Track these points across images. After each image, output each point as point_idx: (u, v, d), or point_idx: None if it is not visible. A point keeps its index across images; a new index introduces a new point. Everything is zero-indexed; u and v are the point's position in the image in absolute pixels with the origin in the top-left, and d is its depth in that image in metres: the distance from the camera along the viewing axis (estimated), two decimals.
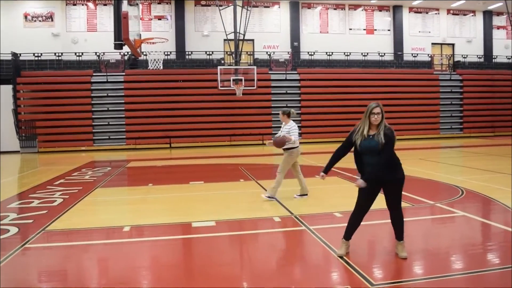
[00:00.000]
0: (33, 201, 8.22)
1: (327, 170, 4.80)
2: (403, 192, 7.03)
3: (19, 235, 5.88)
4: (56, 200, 8.27)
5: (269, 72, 24.34)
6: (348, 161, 4.94)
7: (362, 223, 4.80)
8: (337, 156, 4.77)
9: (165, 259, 4.94)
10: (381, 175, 4.49)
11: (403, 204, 7.05)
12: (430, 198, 7.67)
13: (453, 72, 26.90)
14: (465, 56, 27.94)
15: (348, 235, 4.79)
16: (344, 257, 4.66)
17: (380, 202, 4.76)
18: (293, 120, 7.93)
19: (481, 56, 28.76)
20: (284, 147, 7.68)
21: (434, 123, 25.80)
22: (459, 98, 26.44)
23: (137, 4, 13.01)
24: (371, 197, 4.68)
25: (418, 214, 6.75)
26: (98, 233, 6.06)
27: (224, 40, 23.40)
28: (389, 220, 4.80)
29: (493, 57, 28.89)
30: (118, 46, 10.77)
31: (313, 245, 5.29)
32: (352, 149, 4.70)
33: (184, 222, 6.50)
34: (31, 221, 6.66)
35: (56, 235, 5.97)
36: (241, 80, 20.80)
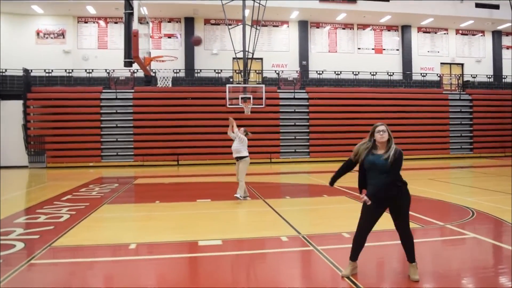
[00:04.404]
0: (40, 217, 8.21)
1: (332, 182, 4.94)
2: (413, 213, 6.95)
3: (25, 251, 5.84)
4: (63, 216, 8.25)
5: (278, 90, 24.42)
6: (356, 180, 4.87)
7: (371, 244, 4.74)
8: (341, 171, 4.87)
9: (171, 278, 4.88)
10: (384, 193, 4.46)
11: (413, 225, 6.97)
12: (440, 219, 7.57)
13: (463, 92, 26.82)
14: (475, 76, 27.88)
15: (354, 256, 4.73)
16: (351, 278, 4.58)
17: (388, 222, 4.69)
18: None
19: (490, 76, 28.68)
20: (238, 155, 10.27)
21: (444, 143, 25.62)
22: (468, 118, 26.30)
23: (147, 23, 13.13)
24: (373, 218, 4.62)
25: (428, 236, 6.64)
26: (104, 250, 6.01)
27: (233, 58, 23.56)
28: (399, 241, 4.72)
29: (503, 77, 28.79)
30: (127, 64, 10.83)
31: (321, 266, 5.20)
32: (356, 167, 4.71)
33: (190, 240, 6.44)
34: (37, 236, 6.63)
35: (62, 251, 5.93)
36: (249, 98, 20.84)
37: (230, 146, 24.82)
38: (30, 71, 22.77)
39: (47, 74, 23.33)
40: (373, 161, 4.45)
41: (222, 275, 4.92)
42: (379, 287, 4.54)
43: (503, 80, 28.68)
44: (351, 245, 4.78)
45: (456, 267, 5.06)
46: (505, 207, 8.62)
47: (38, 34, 24.54)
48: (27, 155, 21.93)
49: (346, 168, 4.80)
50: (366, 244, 4.77)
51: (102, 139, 22.60)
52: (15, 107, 22.07)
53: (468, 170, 18.52)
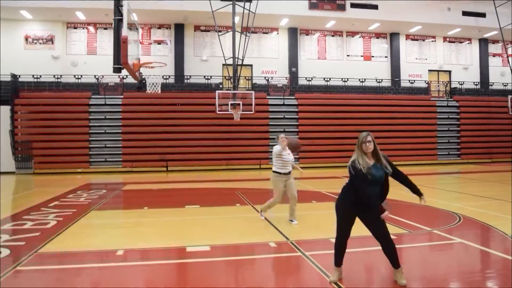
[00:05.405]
0: (26, 223, 8.12)
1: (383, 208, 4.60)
2: (401, 218, 7.00)
3: (10, 257, 5.78)
4: (49, 222, 8.18)
5: (267, 97, 24.48)
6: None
7: (358, 249, 4.78)
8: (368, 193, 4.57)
9: (159, 284, 4.86)
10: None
11: (401, 231, 7.02)
12: (427, 225, 7.61)
13: (450, 99, 27.09)
14: (462, 82, 28.19)
15: (337, 261, 4.78)
16: (338, 283, 4.60)
17: None
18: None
19: (477, 83, 29.01)
20: (291, 169, 8.00)
21: (432, 149, 25.83)
22: (456, 125, 26.55)
23: (137, 29, 13.12)
24: (350, 223, 4.74)
25: (416, 241, 6.69)
26: (91, 256, 5.97)
27: (223, 65, 23.59)
28: None
29: (490, 84, 29.15)
30: (116, 70, 10.79)
31: (309, 271, 5.22)
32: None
33: (178, 246, 6.42)
34: (23, 243, 6.57)
35: (48, 258, 5.87)
36: (239, 104, 20.88)
37: (220, 152, 24.58)
38: (18, 76, 22.58)
39: (35, 80, 23.16)
40: (375, 175, 4.52)
41: (210, 281, 4.90)
42: None
43: (490, 87, 29.02)
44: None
45: (443, 272, 5.09)
46: (491, 213, 8.72)
47: (26, 39, 24.38)
48: (14, 161, 21.70)
49: (365, 185, 4.53)
50: (352, 250, 4.83)
51: (90, 145, 22.44)
52: (2, 112, 21.84)
53: (455, 176, 18.67)
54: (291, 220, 7.96)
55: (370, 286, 4.80)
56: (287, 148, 7.99)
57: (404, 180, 4.73)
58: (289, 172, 8.00)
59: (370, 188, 4.51)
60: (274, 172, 8.00)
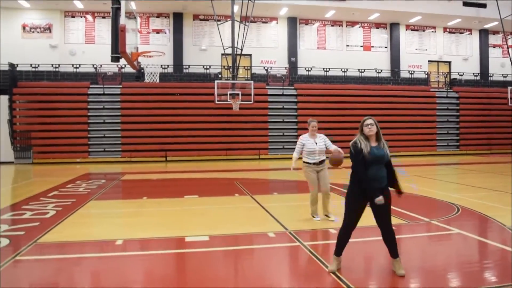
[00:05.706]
0: (25, 213, 8.13)
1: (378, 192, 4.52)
2: (399, 209, 7.02)
3: (10, 247, 5.79)
4: (48, 212, 8.18)
5: (266, 87, 24.41)
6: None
7: (356, 239, 4.78)
8: (367, 175, 4.52)
9: (158, 273, 4.87)
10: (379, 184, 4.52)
11: (399, 221, 7.04)
12: (426, 215, 7.63)
13: (450, 90, 27.06)
14: (462, 73, 28.14)
15: (338, 251, 4.78)
16: (337, 273, 4.61)
17: (373, 219, 4.72)
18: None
19: (477, 74, 28.96)
20: (324, 157, 7.28)
21: (431, 140, 25.85)
22: (455, 115, 26.55)
23: (135, 18, 13.04)
24: (360, 213, 4.69)
25: (414, 231, 6.70)
26: (90, 246, 5.97)
27: (222, 54, 23.49)
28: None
29: (489, 75, 29.09)
30: (114, 59, 10.73)
31: (307, 261, 5.23)
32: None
33: (177, 236, 6.43)
34: (22, 232, 6.57)
35: (48, 248, 5.88)
36: (238, 94, 20.82)
37: (219, 142, 24.51)
38: (16, 65, 22.48)
39: (33, 69, 23.06)
40: (376, 154, 4.50)
41: (209, 271, 4.91)
42: (365, 282, 4.57)
43: (490, 78, 28.97)
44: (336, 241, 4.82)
45: (441, 262, 5.11)
46: (490, 204, 8.73)
47: (24, 28, 24.22)
48: (13, 151, 21.67)
49: (364, 166, 4.51)
50: (352, 240, 4.82)
51: (89, 135, 22.41)
52: (0, 102, 21.78)
53: (454, 167, 18.69)
54: (326, 216, 7.37)
55: (369, 276, 4.82)
56: (317, 136, 7.38)
57: (390, 172, 4.66)
58: (320, 162, 7.28)
59: (375, 168, 4.49)
60: (304, 162, 7.37)
